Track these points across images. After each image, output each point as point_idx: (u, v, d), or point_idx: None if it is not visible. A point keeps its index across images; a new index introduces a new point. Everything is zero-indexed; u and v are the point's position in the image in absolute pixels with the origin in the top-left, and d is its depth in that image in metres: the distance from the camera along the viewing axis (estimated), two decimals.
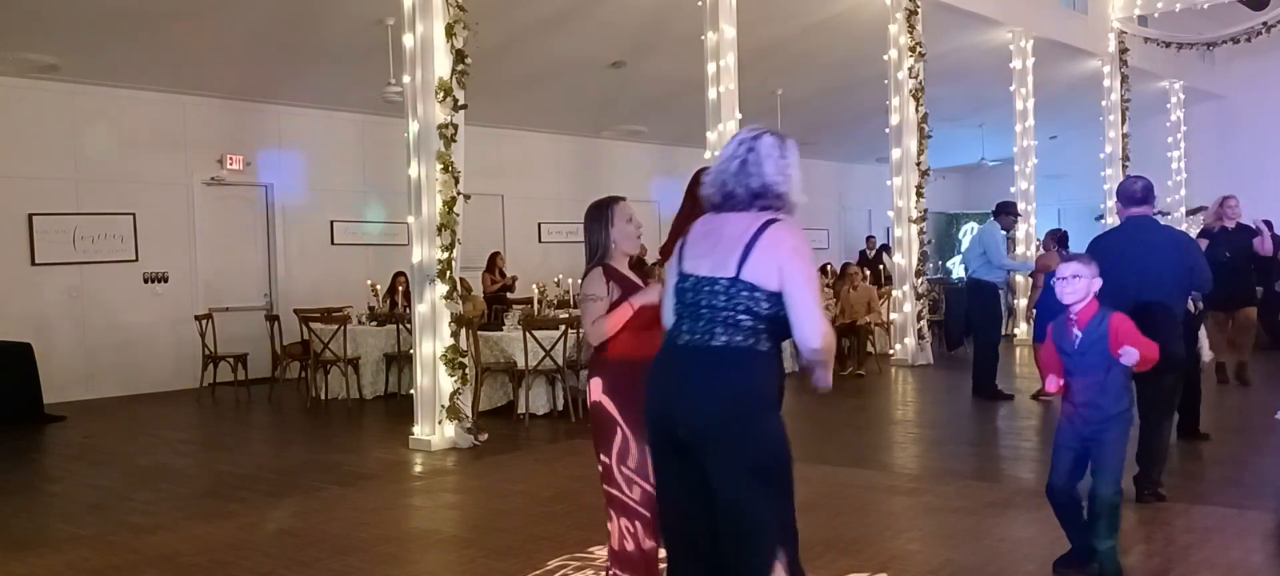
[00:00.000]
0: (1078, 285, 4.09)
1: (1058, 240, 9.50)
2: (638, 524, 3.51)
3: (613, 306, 3.59)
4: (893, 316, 12.79)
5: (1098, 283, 4.12)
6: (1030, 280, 11.28)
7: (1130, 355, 4.00)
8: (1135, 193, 5.50)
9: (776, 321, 2.77)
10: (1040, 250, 11.56)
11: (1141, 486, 5.33)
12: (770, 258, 2.75)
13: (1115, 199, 5.76)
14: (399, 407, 9.47)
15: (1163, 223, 6.05)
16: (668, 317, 2.98)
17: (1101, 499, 4.06)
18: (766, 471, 2.76)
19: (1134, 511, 5.18)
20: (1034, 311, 9.38)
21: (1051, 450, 4.28)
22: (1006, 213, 9.86)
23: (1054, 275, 4.23)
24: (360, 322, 10.90)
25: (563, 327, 8.71)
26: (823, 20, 11.84)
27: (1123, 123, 16.71)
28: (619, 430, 3.52)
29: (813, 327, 2.73)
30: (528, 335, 8.58)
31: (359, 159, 13.48)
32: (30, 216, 10.79)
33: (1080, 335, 4.11)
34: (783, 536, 2.81)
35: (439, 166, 7.44)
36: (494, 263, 13.80)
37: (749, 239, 2.78)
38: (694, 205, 4.09)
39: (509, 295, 13.29)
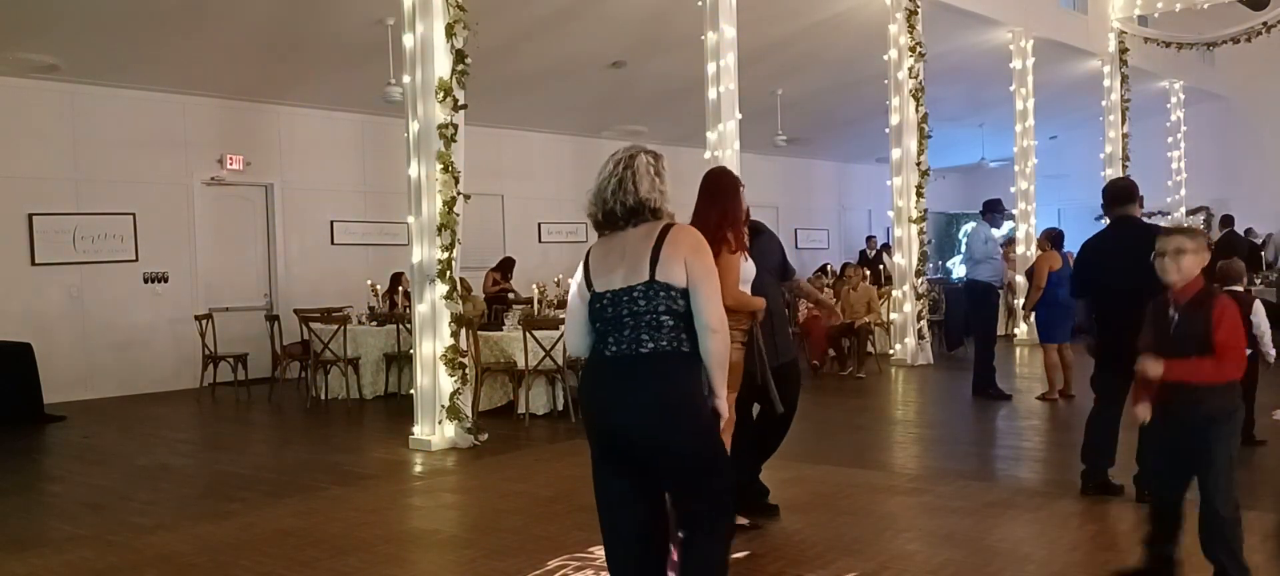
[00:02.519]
0: (1184, 261, 3.70)
1: (1052, 240, 9.49)
2: None
3: None
4: (893, 316, 12.79)
5: (1206, 257, 3.77)
6: (1027, 280, 11.27)
7: (1154, 367, 3.65)
8: (1120, 192, 5.54)
9: (691, 318, 3.00)
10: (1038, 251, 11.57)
11: (1142, 486, 5.34)
12: (676, 255, 2.97)
13: (1101, 199, 5.76)
14: (399, 407, 9.47)
15: (1162, 221, 6.06)
16: (575, 344, 3.21)
17: (1217, 519, 3.71)
18: (708, 460, 3.02)
19: (1134, 511, 5.18)
20: (1034, 313, 9.40)
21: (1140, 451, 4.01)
22: (993, 210, 9.91)
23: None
24: (360, 323, 10.90)
25: (562, 328, 8.70)
26: (823, 20, 11.84)
27: (1123, 123, 16.71)
28: None
29: (712, 308, 2.97)
30: (528, 335, 8.58)
31: (359, 159, 13.48)
32: (30, 216, 10.79)
33: (1177, 317, 3.70)
34: (731, 510, 3.13)
35: (439, 166, 7.44)
36: (506, 267, 13.82)
37: (655, 243, 2.98)
38: (711, 203, 4.59)
39: (509, 296, 13.29)
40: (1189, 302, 3.71)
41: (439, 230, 7.48)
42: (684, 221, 3.25)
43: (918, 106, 12.24)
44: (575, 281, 3.17)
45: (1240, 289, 7.19)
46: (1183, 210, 18.45)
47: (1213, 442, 3.69)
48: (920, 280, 12.49)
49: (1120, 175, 5.83)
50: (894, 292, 12.78)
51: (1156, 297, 3.90)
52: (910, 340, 12.37)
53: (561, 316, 9.44)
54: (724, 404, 3.08)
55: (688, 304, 2.98)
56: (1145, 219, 6.12)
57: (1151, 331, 3.88)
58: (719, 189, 4.67)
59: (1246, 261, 11.61)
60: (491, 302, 12.62)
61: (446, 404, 7.55)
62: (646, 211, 3.05)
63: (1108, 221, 5.70)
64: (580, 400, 3.21)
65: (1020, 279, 13.97)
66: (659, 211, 3.06)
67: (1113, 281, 5.38)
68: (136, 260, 11.55)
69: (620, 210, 3.05)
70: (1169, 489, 3.89)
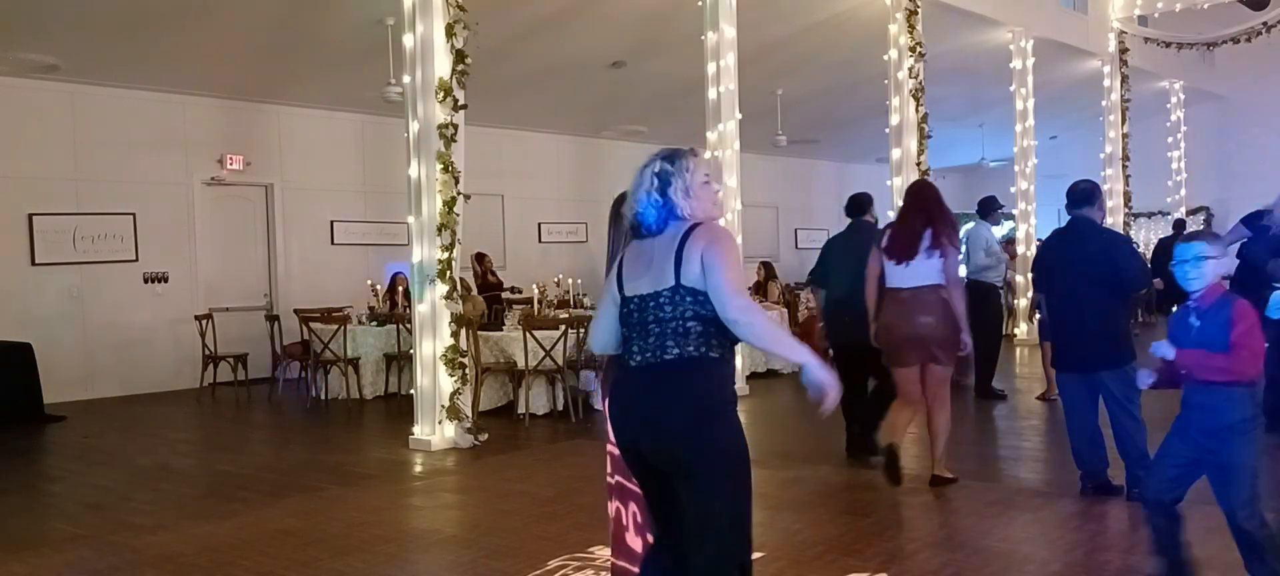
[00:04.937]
0: (1205, 267, 3.57)
1: None
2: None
3: None
4: None
5: (1226, 262, 3.67)
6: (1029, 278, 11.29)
7: (1145, 379, 3.65)
8: (1079, 194, 5.63)
9: (722, 321, 2.84)
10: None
11: (1131, 486, 5.36)
12: (695, 255, 2.85)
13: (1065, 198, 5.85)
14: (399, 407, 9.47)
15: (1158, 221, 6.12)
16: (598, 341, 3.13)
17: (1241, 530, 3.55)
18: (729, 478, 2.86)
19: (1132, 511, 5.18)
20: (1037, 313, 9.41)
21: (1154, 453, 3.83)
22: (991, 209, 9.93)
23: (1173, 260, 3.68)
24: (360, 322, 10.90)
25: (563, 328, 8.71)
26: (823, 20, 11.83)
27: (1123, 123, 16.70)
28: None
29: (729, 297, 2.78)
30: (528, 335, 8.58)
31: (359, 159, 13.48)
32: (30, 216, 10.79)
33: (1199, 323, 3.58)
34: (741, 538, 2.91)
35: (439, 166, 7.44)
36: (478, 262, 13.75)
37: (678, 247, 2.87)
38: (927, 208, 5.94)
39: (506, 295, 13.25)
40: (1211, 307, 3.60)
41: (439, 230, 7.48)
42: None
43: (918, 106, 12.22)
44: (610, 279, 3.09)
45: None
46: (1183, 210, 18.46)
47: (1234, 450, 3.55)
48: None
49: (1080, 178, 5.87)
50: None
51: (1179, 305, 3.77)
52: None
53: (561, 316, 9.46)
54: (805, 354, 2.82)
55: (714, 308, 2.83)
56: (1146, 218, 6.24)
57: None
58: (931, 197, 5.91)
59: None
60: (488, 302, 12.59)
61: (446, 404, 7.55)
62: (672, 219, 2.94)
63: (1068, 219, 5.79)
64: (609, 409, 3.10)
65: (1020, 278, 13.99)
66: (689, 215, 2.94)
67: (1060, 281, 5.58)
68: (136, 260, 11.55)
69: (653, 216, 2.95)
70: (1172, 498, 3.79)
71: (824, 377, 2.81)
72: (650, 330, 2.90)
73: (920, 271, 5.79)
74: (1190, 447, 3.65)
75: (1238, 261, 7.83)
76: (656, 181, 2.95)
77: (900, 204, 6.17)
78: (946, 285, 5.79)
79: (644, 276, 2.93)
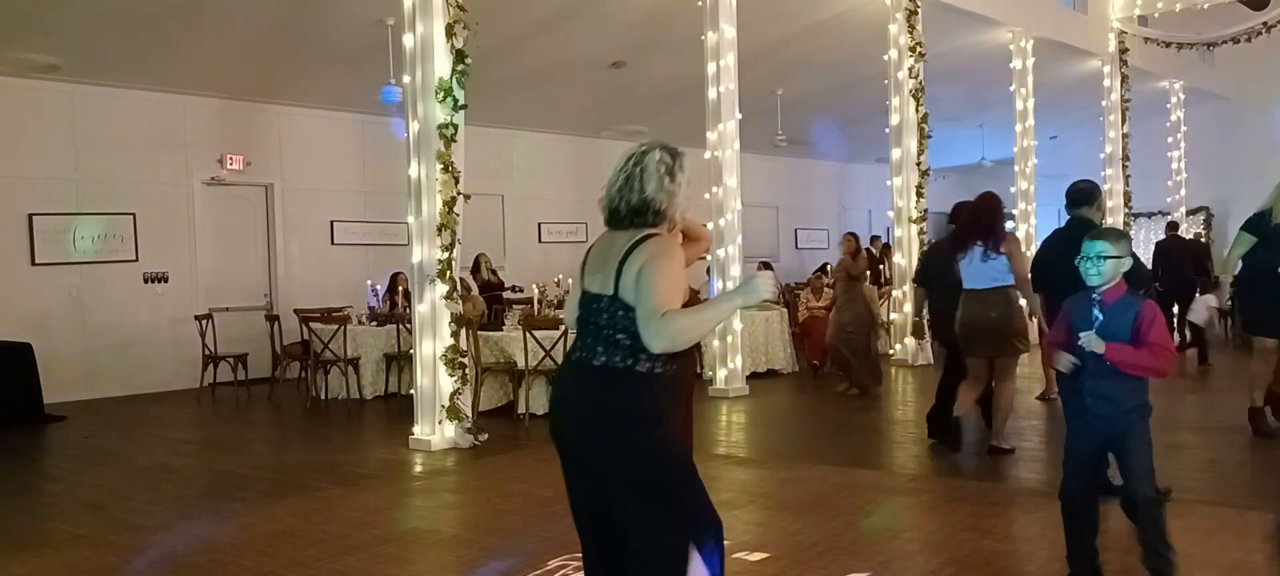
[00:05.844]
0: (1106, 266, 3.78)
1: None
2: None
3: None
4: (893, 316, 12.78)
5: (1127, 262, 3.81)
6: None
7: (1094, 342, 3.73)
8: (1077, 194, 5.68)
9: None
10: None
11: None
12: (633, 270, 2.78)
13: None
14: (399, 407, 9.47)
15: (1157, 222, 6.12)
16: (569, 317, 3.09)
17: (1141, 500, 3.80)
18: (650, 487, 2.81)
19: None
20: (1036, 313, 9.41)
21: (1063, 454, 4.03)
22: None
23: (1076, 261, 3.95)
24: (360, 323, 10.90)
25: (563, 327, 8.70)
26: (823, 20, 11.84)
27: (1123, 123, 16.71)
28: None
29: (644, 325, 2.71)
30: (528, 335, 8.58)
31: (359, 159, 13.49)
32: (30, 216, 10.79)
33: (1102, 317, 3.78)
34: (682, 547, 2.83)
35: (439, 166, 7.44)
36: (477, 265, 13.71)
37: (622, 257, 2.82)
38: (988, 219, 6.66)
39: (506, 295, 13.23)
40: (1115, 304, 3.80)
41: (439, 230, 7.48)
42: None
43: (918, 106, 12.24)
44: (579, 264, 3.06)
45: None
46: (1183, 210, 18.47)
47: (1132, 433, 3.81)
48: None
49: (1079, 178, 5.98)
50: (894, 292, 12.77)
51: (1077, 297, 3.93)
52: (910, 340, 12.36)
53: (561, 316, 9.46)
54: (733, 298, 2.85)
55: None
56: (1146, 219, 6.27)
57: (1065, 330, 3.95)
58: (995, 208, 6.69)
59: (1193, 265, 11.85)
60: (489, 303, 12.57)
61: (446, 404, 7.55)
62: (650, 214, 2.85)
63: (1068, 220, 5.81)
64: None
65: None
66: (662, 215, 2.86)
67: (1060, 281, 5.53)
68: (136, 260, 11.55)
69: (625, 209, 2.87)
70: (1084, 486, 3.97)
71: (753, 293, 2.77)
72: (589, 328, 2.89)
73: (990, 273, 6.54)
74: (1092, 436, 3.87)
75: (1242, 266, 7.81)
76: (639, 173, 2.86)
77: (965, 215, 6.89)
78: (1015, 284, 6.55)
79: (597, 274, 2.89)
